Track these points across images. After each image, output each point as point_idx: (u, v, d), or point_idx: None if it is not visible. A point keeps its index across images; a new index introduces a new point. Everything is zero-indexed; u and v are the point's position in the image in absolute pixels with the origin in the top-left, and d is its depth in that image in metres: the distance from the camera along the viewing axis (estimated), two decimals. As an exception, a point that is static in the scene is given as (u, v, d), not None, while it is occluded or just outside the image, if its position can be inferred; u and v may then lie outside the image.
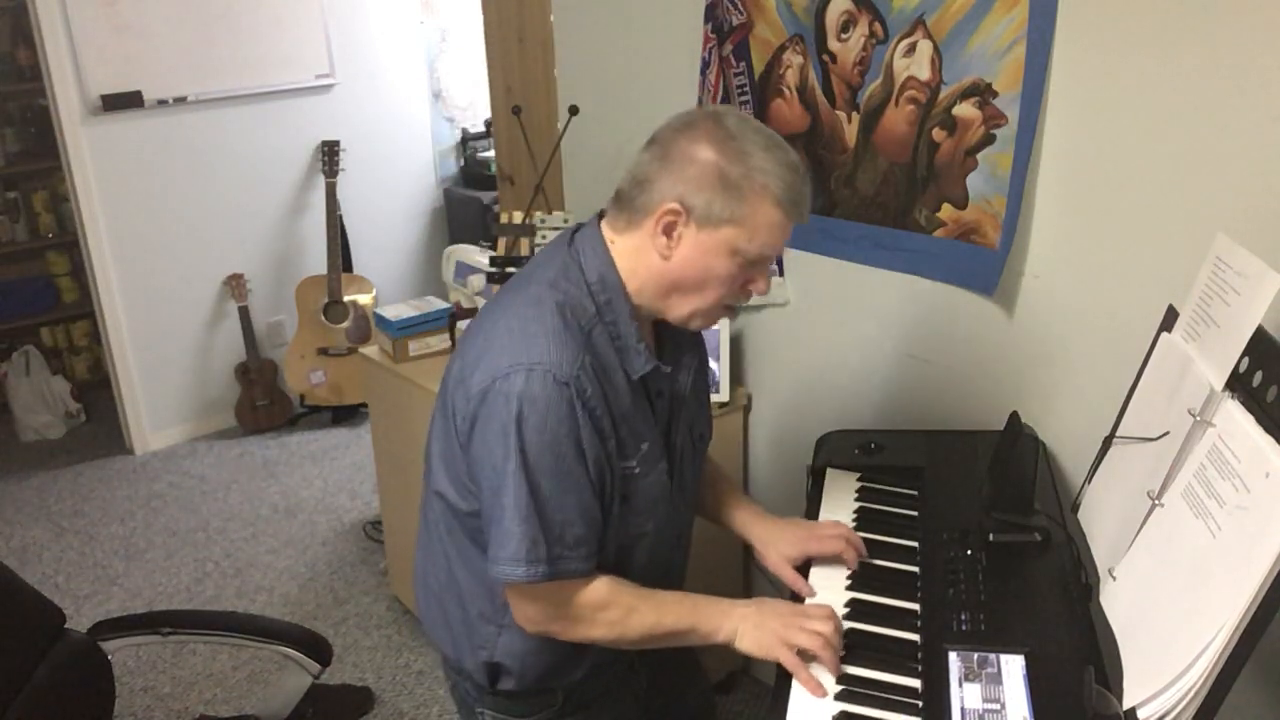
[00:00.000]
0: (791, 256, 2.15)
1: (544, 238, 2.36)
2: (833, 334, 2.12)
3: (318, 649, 1.85)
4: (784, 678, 1.25)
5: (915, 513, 1.59)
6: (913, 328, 1.96)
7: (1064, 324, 1.71)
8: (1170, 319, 1.33)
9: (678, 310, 1.28)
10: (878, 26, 1.82)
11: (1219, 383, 1.14)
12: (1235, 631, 0.96)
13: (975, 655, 1.23)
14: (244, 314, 4.04)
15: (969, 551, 1.44)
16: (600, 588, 1.28)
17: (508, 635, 1.35)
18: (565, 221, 2.35)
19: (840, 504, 1.63)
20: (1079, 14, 1.55)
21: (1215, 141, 1.44)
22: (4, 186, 4.22)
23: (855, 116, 1.91)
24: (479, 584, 1.35)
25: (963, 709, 1.15)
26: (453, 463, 1.31)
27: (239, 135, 3.93)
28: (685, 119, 1.24)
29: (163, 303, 3.93)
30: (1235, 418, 1.07)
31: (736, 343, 2.33)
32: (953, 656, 1.23)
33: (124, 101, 3.64)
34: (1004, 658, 1.21)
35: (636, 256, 1.26)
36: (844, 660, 1.27)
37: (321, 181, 4.07)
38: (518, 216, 2.48)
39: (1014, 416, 1.56)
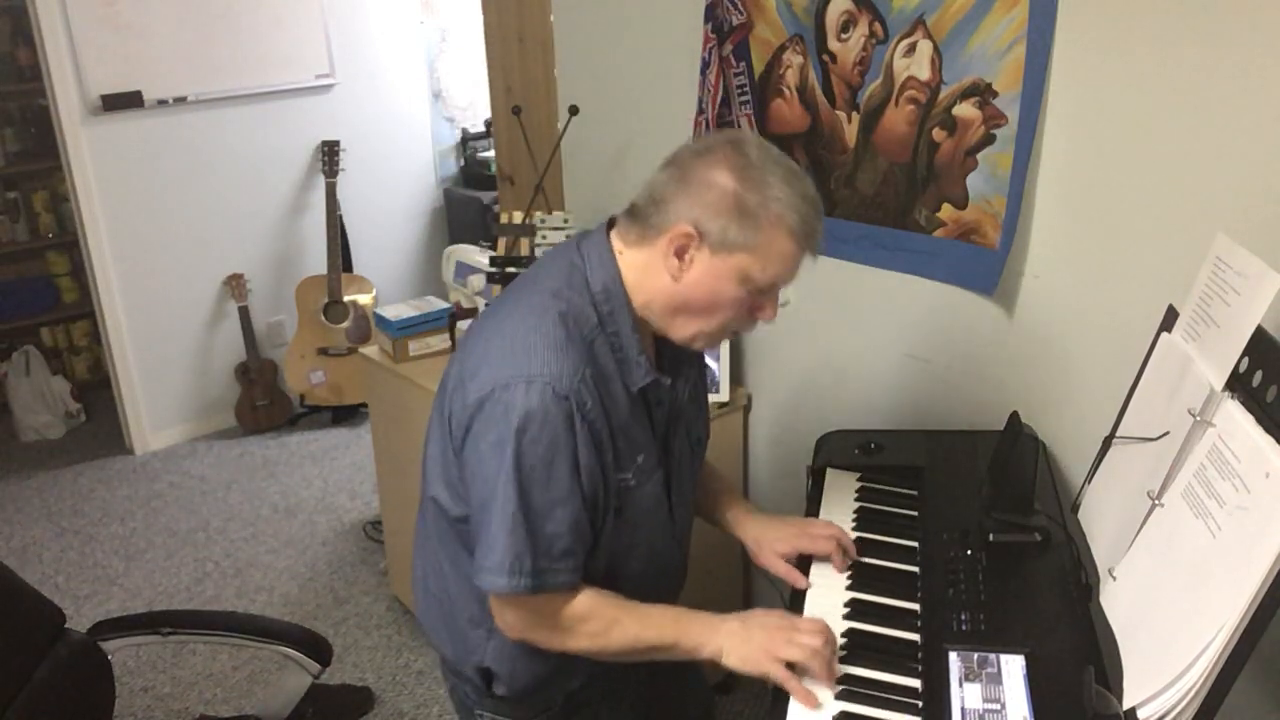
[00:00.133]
0: (791, 256, 2.15)
1: (544, 238, 2.36)
2: (833, 334, 2.12)
3: (318, 649, 1.85)
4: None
5: (915, 513, 1.59)
6: (913, 328, 1.96)
7: (1064, 324, 1.71)
8: (1170, 319, 1.33)
9: (682, 331, 1.28)
10: (878, 26, 1.82)
11: (1219, 383, 1.14)
12: (1235, 631, 0.96)
13: (975, 655, 1.23)
14: (244, 314, 4.04)
15: (969, 551, 1.44)
16: (583, 599, 1.28)
17: (497, 640, 1.35)
18: (565, 221, 2.36)
19: (840, 504, 1.63)
20: (1079, 14, 1.55)
21: (1215, 141, 1.44)
22: (4, 186, 4.22)
23: (855, 116, 1.91)
24: (469, 589, 1.34)
25: (963, 709, 1.15)
26: (447, 468, 1.30)
27: (239, 135, 3.93)
28: (706, 143, 1.25)
29: (163, 303, 3.92)
30: (1235, 418, 1.07)
31: (736, 343, 2.33)
32: (953, 656, 1.23)
33: (124, 101, 3.64)
34: (1004, 658, 1.21)
35: (645, 272, 1.26)
36: (844, 660, 1.27)
37: (321, 181, 4.07)
38: (518, 216, 2.48)
39: (1014, 416, 1.56)
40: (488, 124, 4.34)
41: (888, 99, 1.84)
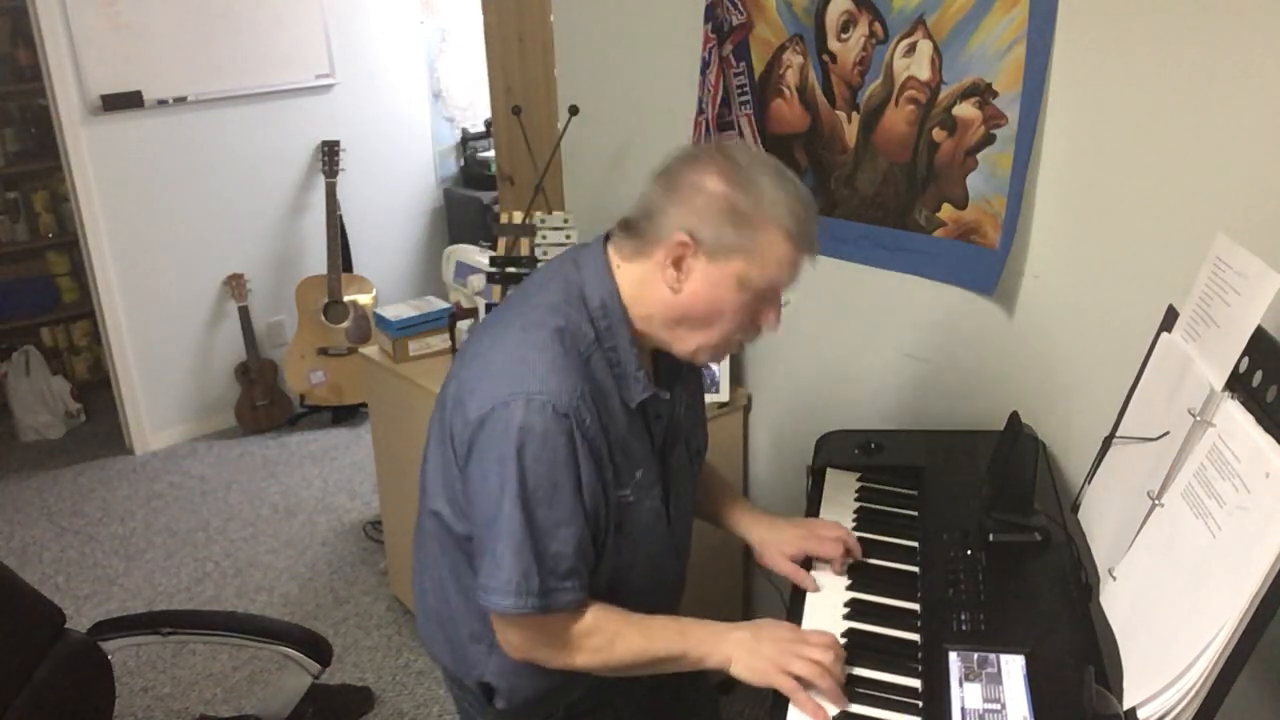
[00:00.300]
0: (791, 256, 2.15)
1: (544, 238, 2.36)
2: (833, 334, 2.12)
3: (318, 649, 1.85)
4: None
5: (915, 513, 1.59)
6: (913, 328, 1.96)
7: (1064, 324, 1.71)
8: (1170, 319, 1.33)
9: (684, 344, 1.27)
10: (878, 26, 1.82)
11: (1219, 383, 1.14)
12: (1235, 631, 0.96)
13: (975, 655, 1.22)
14: (244, 314, 4.04)
15: (969, 551, 1.44)
16: (586, 617, 1.27)
17: (498, 656, 1.34)
18: (565, 221, 2.35)
19: (840, 504, 1.63)
20: (1079, 14, 1.55)
21: (1215, 141, 1.44)
22: (4, 186, 4.22)
23: (855, 116, 1.91)
24: (470, 605, 1.33)
25: (963, 709, 1.15)
26: (450, 484, 1.29)
27: (239, 135, 3.93)
28: (693, 151, 1.24)
29: (163, 303, 3.93)
30: (1235, 418, 1.07)
31: (736, 343, 2.32)
32: (953, 656, 1.23)
33: (124, 101, 3.64)
34: (1004, 658, 1.21)
35: (644, 286, 1.25)
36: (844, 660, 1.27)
37: (321, 181, 4.07)
38: (518, 216, 2.48)
39: (1014, 416, 1.56)
40: (488, 124, 4.34)
41: (888, 99, 1.84)
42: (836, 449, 1.79)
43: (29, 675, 1.61)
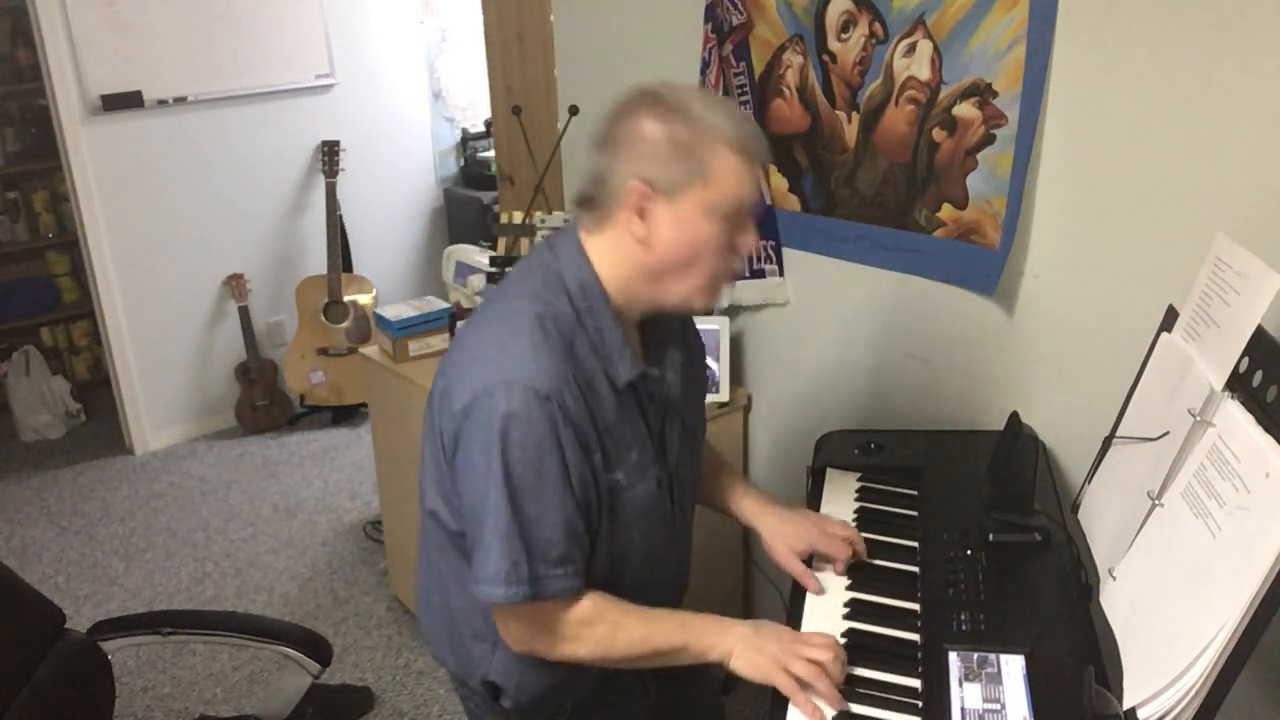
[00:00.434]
0: (791, 256, 2.15)
1: (544, 238, 2.36)
2: (833, 334, 2.12)
3: (318, 649, 1.85)
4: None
5: (915, 513, 1.59)
6: (913, 328, 1.96)
7: (1064, 324, 1.71)
8: (1170, 319, 1.33)
9: (674, 293, 1.26)
10: (878, 26, 1.82)
11: (1219, 383, 1.14)
12: (1235, 631, 0.96)
13: (975, 655, 1.22)
14: (244, 314, 4.04)
15: (969, 551, 1.44)
16: (585, 604, 1.26)
17: (501, 653, 1.34)
18: (565, 221, 2.35)
19: (840, 504, 1.63)
20: (1079, 14, 1.55)
21: (1215, 141, 1.44)
22: (4, 186, 4.22)
23: (855, 116, 1.91)
24: (472, 603, 1.33)
25: (963, 709, 1.15)
26: (442, 481, 1.29)
27: (239, 135, 3.93)
28: (621, 105, 1.24)
29: (163, 303, 3.93)
30: (1235, 418, 1.07)
31: (736, 343, 2.33)
32: (953, 656, 1.23)
33: (124, 101, 3.64)
34: (1004, 658, 1.21)
35: (616, 253, 1.25)
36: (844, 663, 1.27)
37: (321, 181, 4.07)
38: (518, 216, 2.48)
39: (1014, 416, 1.56)
40: (488, 124, 4.34)
41: (888, 99, 1.84)
42: (836, 449, 1.79)
43: (29, 675, 1.61)
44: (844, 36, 1.88)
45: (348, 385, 4.06)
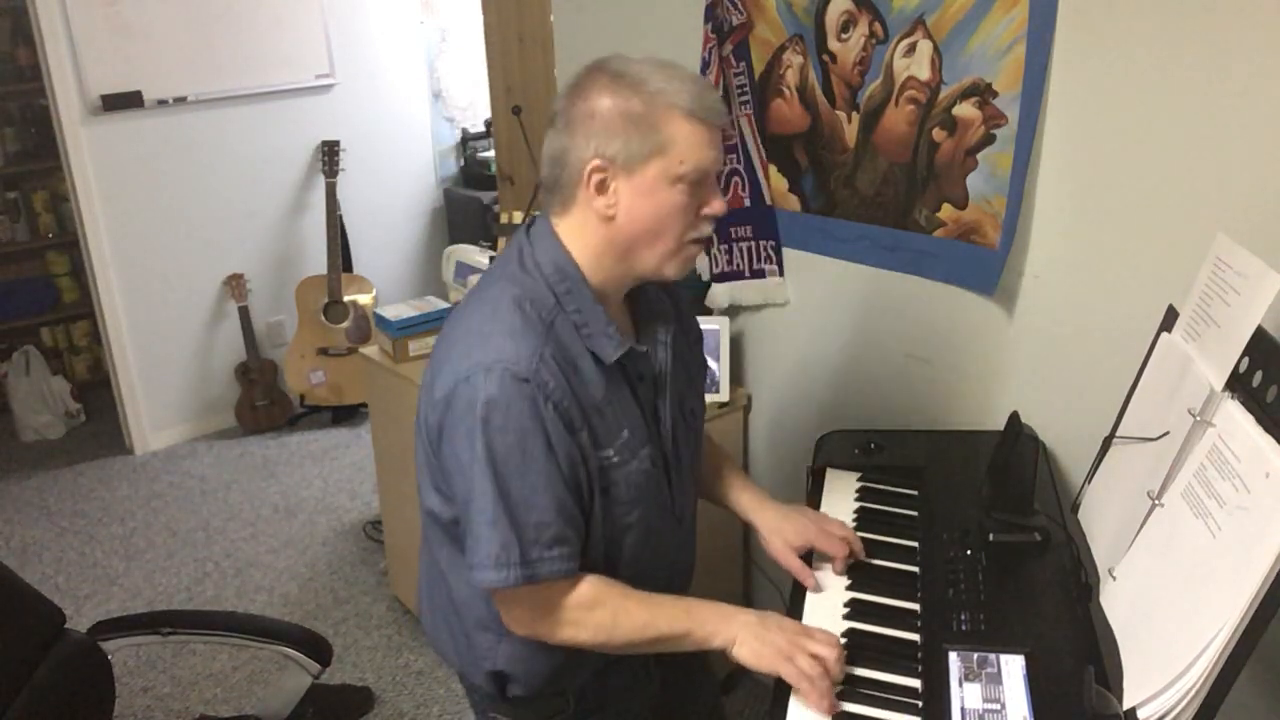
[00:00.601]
0: (791, 256, 2.15)
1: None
2: (833, 334, 2.12)
3: (318, 649, 1.85)
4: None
5: (915, 513, 1.59)
6: (913, 328, 1.96)
7: (1064, 324, 1.71)
8: (1170, 319, 1.33)
9: (645, 263, 1.26)
10: (878, 26, 1.82)
11: (1219, 383, 1.14)
12: (1235, 631, 0.96)
13: (975, 655, 1.22)
14: (244, 314, 4.04)
15: (969, 551, 1.44)
16: (587, 588, 1.26)
17: (508, 643, 1.34)
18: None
19: (840, 504, 1.63)
20: (1079, 14, 1.55)
21: (1215, 141, 1.44)
22: (4, 186, 4.22)
23: (855, 116, 1.91)
24: (473, 593, 1.33)
25: (963, 709, 1.15)
26: (433, 473, 1.30)
27: (239, 135, 3.93)
28: (572, 84, 1.24)
29: (163, 303, 3.93)
30: (1235, 418, 1.07)
31: (736, 343, 2.33)
32: (953, 656, 1.23)
33: (124, 101, 3.64)
34: (1004, 658, 1.21)
35: (584, 232, 1.25)
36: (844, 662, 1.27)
37: (321, 181, 4.07)
38: (518, 216, 2.49)
39: (1014, 416, 1.56)
40: (488, 124, 4.34)
41: (888, 99, 1.84)
42: (836, 449, 1.79)
43: (29, 675, 1.61)
44: (844, 36, 1.88)
45: (348, 385, 4.06)
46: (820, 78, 1.95)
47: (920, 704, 1.19)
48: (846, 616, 1.37)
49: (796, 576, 1.44)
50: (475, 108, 4.50)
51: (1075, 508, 1.47)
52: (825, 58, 1.93)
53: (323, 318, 4.04)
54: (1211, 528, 1.04)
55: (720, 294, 2.24)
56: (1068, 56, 1.58)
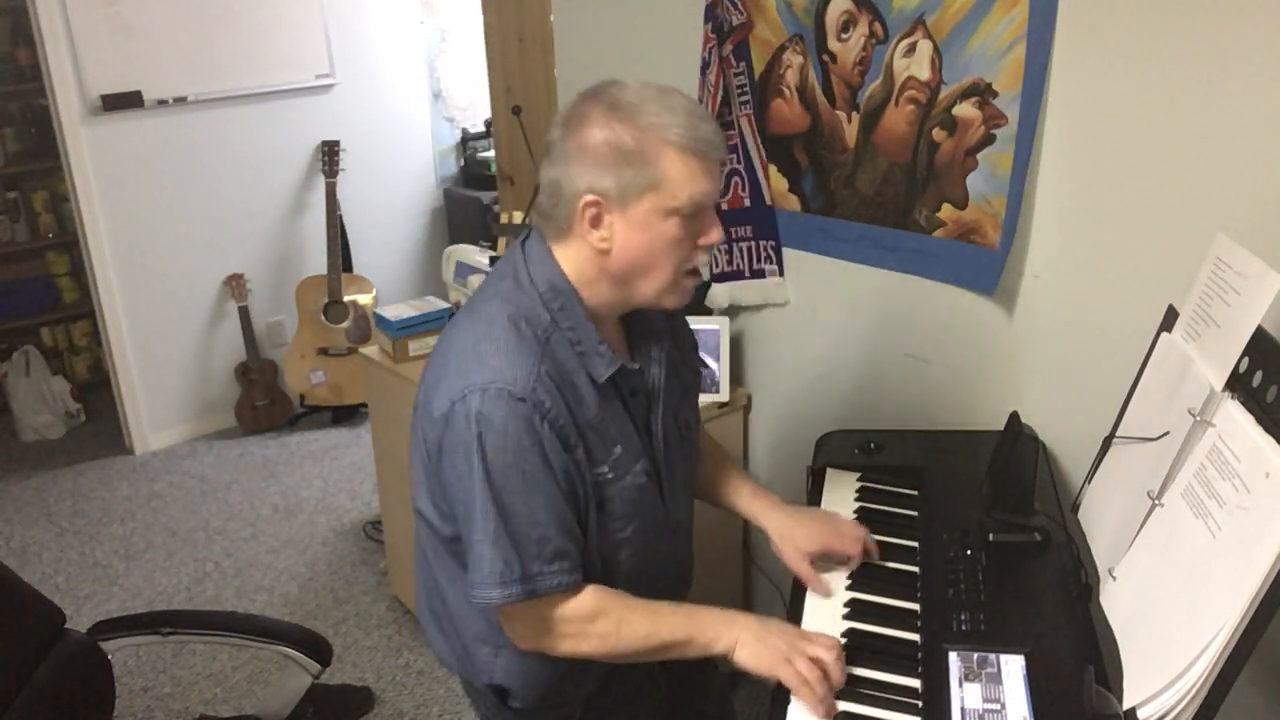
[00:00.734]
0: (791, 256, 2.15)
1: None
2: (833, 334, 2.12)
3: (318, 649, 1.85)
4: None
5: (915, 513, 1.59)
6: (913, 328, 1.96)
7: (1064, 324, 1.71)
8: (1170, 319, 1.33)
9: (642, 294, 1.26)
10: (878, 26, 1.82)
11: (1219, 383, 1.14)
12: (1235, 631, 0.96)
13: (975, 655, 1.22)
14: (244, 314, 4.04)
15: (969, 551, 1.44)
16: (588, 600, 1.26)
17: (505, 657, 1.34)
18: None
19: (840, 504, 1.63)
20: (1079, 14, 1.55)
21: (1215, 141, 1.44)
22: (4, 186, 4.22)
23: (855, 116, 1.91)
24: (471, 607, 1.33)
25: (963, 709, 1.15)
26: (431, 489, 1.30)
27: (239, 135, 3.93)
28: (566, 113, 1.24)
29: (163, 303, 3.93)
30: (1235, 418, 1.07)
31: (736, 343, 2.33)
32: (953, 656, 1.23)
33: (124, 101, 3.64)
34: (1004, 658, 1.21)
35: (580, 260, 1.25)
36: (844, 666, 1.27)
37: (321, 181, 4.07)
38: (518, 216, 2.48)
39: (1014, 416, 1.56)
40: (488, 124, 4.34)
41: (888, 99, 1.84)
42: (836, 449, 1.79)
43: (29, 675, 1.61)
44: (844, 36, 1.88)
45: (348, 385, 4.06)
46: (820, 78, 1.95)
47: (920, 704, 1.19)
48: (846, 616, 1.37)
49: (807, 584, 1.43)
50: (475, 108, 4.50)
51: (1075, 508, 1.47)
52: (825, 58, 1.93)
53: (323, 318, 4.04)
54: (1211, 528, 1.04)
55: (720, 294, 2.24)
56: (1068, 56, 1.58)
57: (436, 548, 1.35)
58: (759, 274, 2.20)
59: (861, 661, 1.27)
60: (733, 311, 2.27)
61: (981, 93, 1.69)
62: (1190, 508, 1.09)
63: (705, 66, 2.08)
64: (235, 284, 4.02)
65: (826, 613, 1.38)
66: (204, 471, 3.84)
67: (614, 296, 1.27)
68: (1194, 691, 0.99)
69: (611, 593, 1.28)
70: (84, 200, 3.67)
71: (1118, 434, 1.38)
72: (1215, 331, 1.18)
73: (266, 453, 3.96)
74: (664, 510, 1.38)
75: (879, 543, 1.50)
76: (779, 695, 1.22)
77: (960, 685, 1.19)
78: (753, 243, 2.17)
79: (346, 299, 4.06)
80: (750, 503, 1.54)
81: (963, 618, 1.30)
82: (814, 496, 1.67)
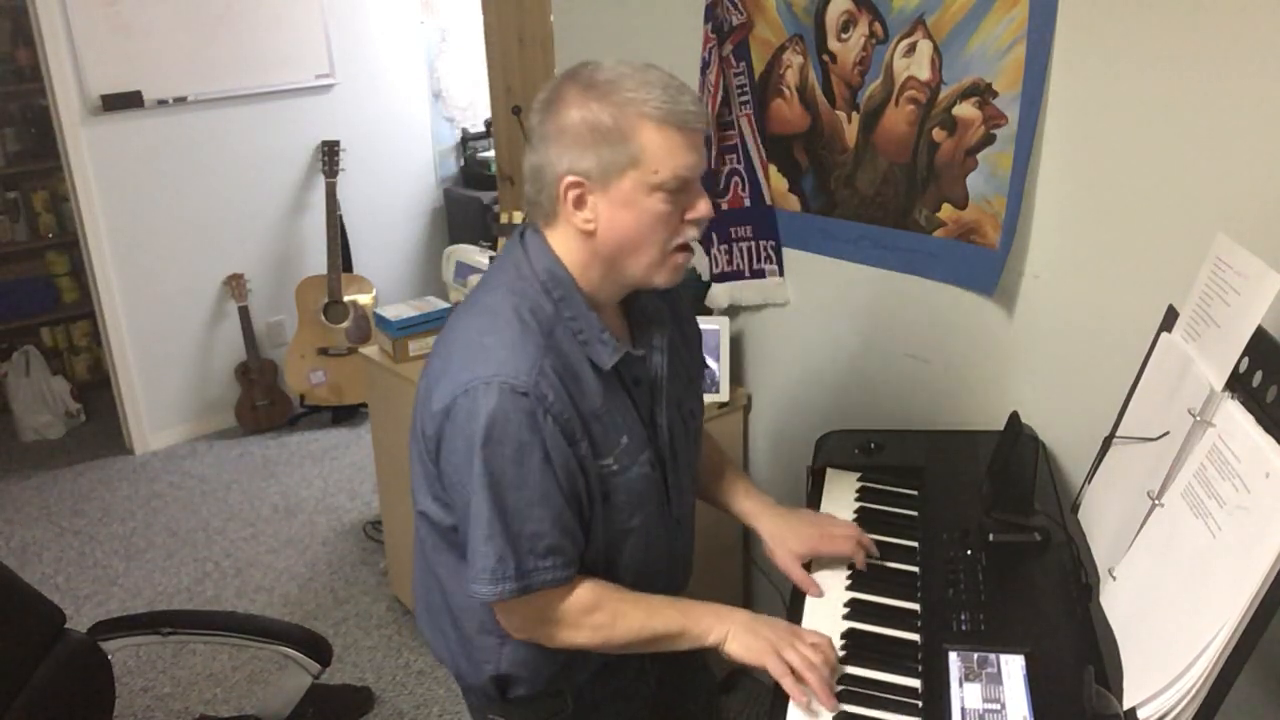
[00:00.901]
0: (791, 256, 2.15)
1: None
2: (833, 334, 2.12)
3: (318, 649, 1.85)
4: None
5: (915, 513, 1.59)
6: (913, 327, 1.96)
7: (1064, 324, 1.71)
8: (1170, 319, 1.33)
9: (633, 272, 1.25)
10: (878, 26, 1.82)
11: (1219, 383, 1.14)
12: (1235, 631, 0.96)
13: (975, 655, 1.23)
14: (244, 314, 4.04)
15: (969, 551, 1.44)
16: (584, 592, 1.27)
17: (512, 646, 1.34)
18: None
19: (840, 504, 1.63)
20: (1079, 14, 1.55)
21: (1215, 142, 1.44)
22: (4, 186, 4.22)
23: (855, 116, 1.91)
24: (472, 599, 1.32)
25: (963, 709, 1.15)
26: (430, 481, 1.30)
27: (239, 135, 3.93)
28: (544, 97, 1.23)
29: (163, 303, 3.93)
30: (1235, 418, 1.07)
31: (736, 343, 2.33)
32: (953, 656, 1.23)
33: (124, 101, 3.64)
34: (1004, 658, 1.21)
35: (571, 244, 1.25)
36: (844, 660, 1.27)
37: (321, 181, 4.07)
38: (518, 216, 2.48)
39: (1014, 416, 1.56)
40: (488, 124, 4.34)
41: (888, 99, 1.84)
42: (836, 449, 1.79)
43: (29, 675, 1.61)
44: (844, 36, 1.88)
45: (348, 385, 4.06)
46: (820, 78, 1.95)
47: (920, 704, 1.19)
48: (846, 616, 1.37)
49: (800, 586, 1.44)
50: (475, 108, 4.51)
51: (1075, 508, 1.47)
52: (825, 58, 1.93)
53: (323, 318, 4.04)
54: (1211, 528, 1.04)
55: (720, 294, 2.24)
56: (1068, 56, 1.58)
57: (436, 542, 1.35)
58: (759, 274, 2.20)
59: (861, 661, 1.27)
60: (733, 311, 2.27)
61: (981, 93, 1.69)
62: (1190, 508, 1.09)
63: (705, 66, 2.08)
64: (235, 284, 4.02)
65: (826, 613, 1.38)
66: (204, 471, 3.84)
67: (608, 280, 1.27)
68: (1194, 691, 0.99)
69: (606, 586, 1.29)
70: (84, 200, 3.67)
71: (1118, 434, 1.38)
72: (1215, 331, 1.18)
73: (266, 453, 3.96)
74: (668, 501, 1.38)
75: (879, 543, 1.50)
76: (779, 694, 1.22)
77: (960, 685, 1.19)
78: (753, 243, 2.18)
79: (346, 299, 4.06)
80: (743, 504, 1.55)
81: (963, 618, 1.31)
82: (814, 497, 1.67)
